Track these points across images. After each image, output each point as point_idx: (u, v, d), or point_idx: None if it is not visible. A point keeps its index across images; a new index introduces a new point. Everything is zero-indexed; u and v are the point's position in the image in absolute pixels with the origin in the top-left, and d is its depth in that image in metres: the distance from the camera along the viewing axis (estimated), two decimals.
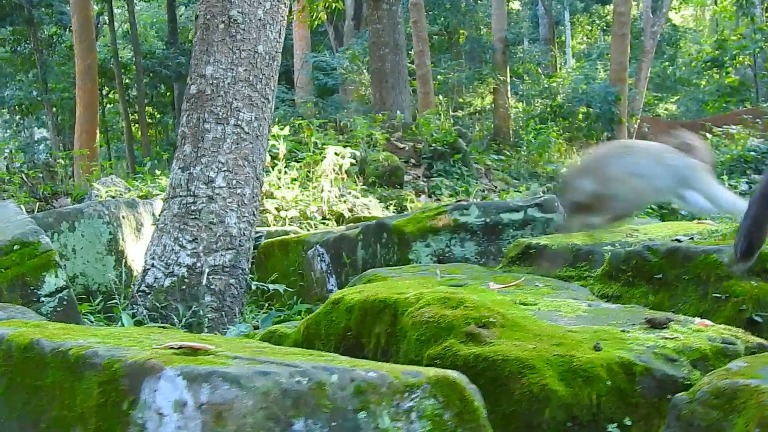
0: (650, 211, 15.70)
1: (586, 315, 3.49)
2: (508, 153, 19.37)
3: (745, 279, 4.38)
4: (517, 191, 14.08)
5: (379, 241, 6.85)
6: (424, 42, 28.27)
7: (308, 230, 10.02)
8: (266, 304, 7.58)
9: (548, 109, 30.44)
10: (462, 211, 6.67)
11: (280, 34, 7.08)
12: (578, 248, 5.63)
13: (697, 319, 3.44)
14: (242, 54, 6.80)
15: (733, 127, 19.92)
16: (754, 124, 20.66)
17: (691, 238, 5.07)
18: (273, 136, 12.18)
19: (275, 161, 11.83)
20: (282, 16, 7.12)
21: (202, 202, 6.51)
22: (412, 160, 15.85)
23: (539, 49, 37.46)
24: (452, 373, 2.54)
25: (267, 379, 2.19)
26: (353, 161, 12.40)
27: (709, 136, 20.07)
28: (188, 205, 6.51)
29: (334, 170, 12.01)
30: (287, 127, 12.60)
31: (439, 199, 13.77)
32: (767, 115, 22.78)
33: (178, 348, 2.46)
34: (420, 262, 6.57)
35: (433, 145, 15.87)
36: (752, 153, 17.75)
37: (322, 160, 11.95)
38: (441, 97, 33.39)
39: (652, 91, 40.76)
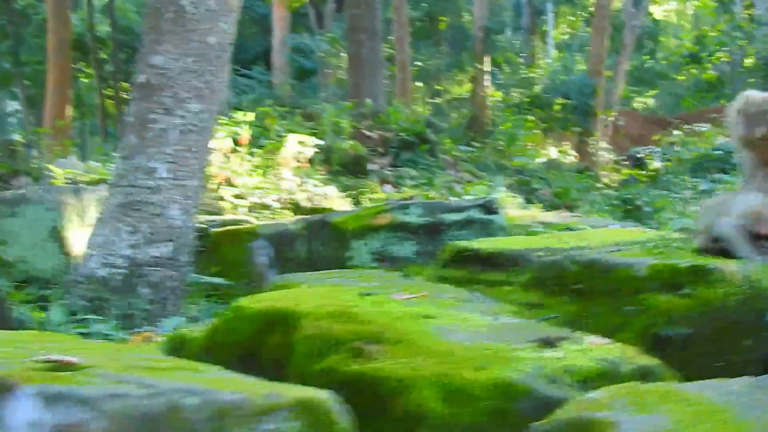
0: (614, 208, 15.79)
1: (486, 330, 3.52)
2: (478, 144, 19.40)
3: (656, 294, 4.45)
4: (482, 184, 14.12)
5: (319, 238, 6.90)
6: (405, 28, 28.30)
7: (264, 220, 10.03)
8: (212, 296, 7.59)
9: (526, 99, 30.51)
10: (403, 210, 6.71)
11: (232, 25, 7.06)
12: (509, 252, 5.68)
13: (591, 337, 3.49)
14: (192, 44, 6.78)
15: (703, 124, 20.03)
16: (723, 122, 20.73)
17: (618, 249, 5.11)
18: (236, 122, 12.20)
19: (238, 148, 11.83)
20: (235, 6, 7.10)
21: (145, 193, 6.51)
22: (380, 149, 15.86)
23: (520, 39, 37.56)
24: (318, 394, 2.57)
25: (120, 401, 2.22)
26: (316, 150, 12.40)
27: (677, 133, 20.22)
28: (130, 196, 6.52)
29: (296, 159, 12.02)
30: (252, 113, 12.57)
31: (403, 190, 13.79)
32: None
33: (48, 361, 2.49)
34: (359, 261, 6.62)
35: (401, 134, 15.89)
36: (718, 152, 17.86)
37: (283, 148, 11.95)
38: (419, 83, 33.45)
39: (631, 84, 40.86)
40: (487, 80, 32.11)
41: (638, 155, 21.80)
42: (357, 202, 12.44)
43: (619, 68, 31.36)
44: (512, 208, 11.06)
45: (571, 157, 28.24)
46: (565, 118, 29.43)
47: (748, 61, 43.51)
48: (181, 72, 6.72)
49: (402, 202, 6.95)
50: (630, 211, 15.48)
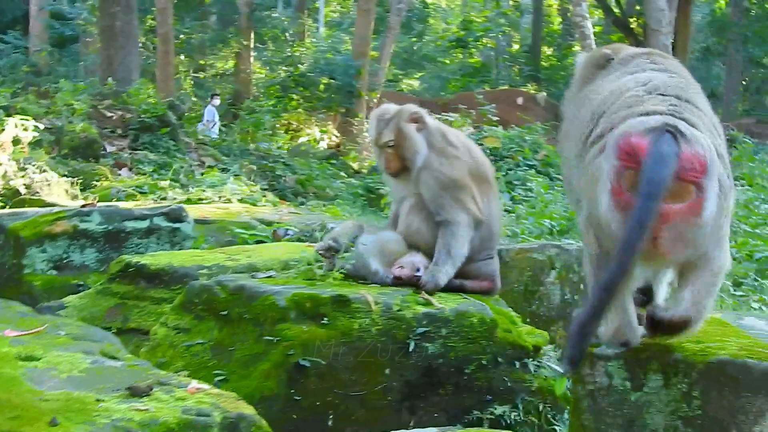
0: (356, 196, 15.99)
1: (82, 375, 3.43)
2: (224, 128, 19.23)
3: (297, 323, 4.49)
4: (213, 171, 13.97)
5: None
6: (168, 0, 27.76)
7: None
8: None
9: (291, 78, 30.51)
10: (83, 218, 6.56)
11: None
12: (174, 270, 5.63)
13: (192, 383, 3.46)
14: None
15: (451, 114, 20.51)
16: (468, 113, 21.35)
17: (270, 276, 5.12)
18: None
19: None
20: None
21: None
22: (119, 131, 15.49)
23: (289, 16, 37.47)
24: None
25: None
26: (41, 132, 11.96)
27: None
28: None
29: (16, 141, 11.57)
30: None
31: (140, 173, 13.50)
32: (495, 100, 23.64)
33: None
34: (36, 269, 6.43)
35: (142, 116, 15.56)
36: None
37: (1, 130, 11.47)
38: (183, 57, 32.90)
39: (399, 66, 41.55)
40: (252, 57, 31.97)
41: None
42: (85, 188, 12.12)
43: (384, 50, 31.77)
44: (237, 198, 11.02)
45: (334, 138, 28.51)
46: (330, 98, 29.61)
47: (513, 48, 45.14)
48: None
49: (82, 208, 6.77)
50: (372, 201, 15.70)
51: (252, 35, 32.26)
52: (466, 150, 5.40)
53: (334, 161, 20.50)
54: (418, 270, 4.98)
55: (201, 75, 33.69)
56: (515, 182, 17.33)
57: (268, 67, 33.17)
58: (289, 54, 32.09)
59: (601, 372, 3.80)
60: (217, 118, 24.77)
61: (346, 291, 4.64)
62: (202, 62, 33.78)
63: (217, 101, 25.78)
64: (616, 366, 3.78)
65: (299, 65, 30.91)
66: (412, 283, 4.94)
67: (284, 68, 31.44)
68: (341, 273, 4.97)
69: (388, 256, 5.07)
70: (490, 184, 5.42)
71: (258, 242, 7.99)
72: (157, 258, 5.83)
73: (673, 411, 3.67)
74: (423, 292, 4.86)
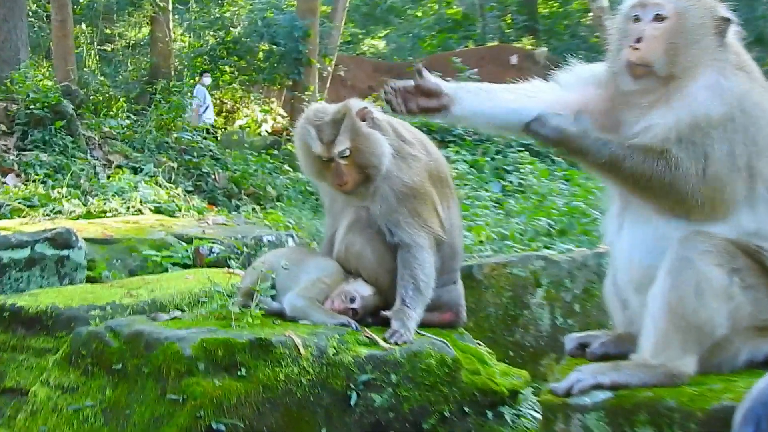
0: (306, 195, 15.97)
1: None
2: (134, 116, 19.15)
3: (208, 377, 4.51)
4: (118, 174, 13.91)
5: None
6: None
7: None
8: None
9: (221, 45, 30.38)
10: None
11: None
12: (59, 312, 5.65)
13: None
14: None
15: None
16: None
17: (174, 317, 5.13)
18: None
19: None
20: None
21: None
22: (4, 127, 15.44)
23: None
24: None
25: None
26: None
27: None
28: None
29: None
30: None
31: (31, 180, 13.47)
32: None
33: None
34: None
35: (31, 107, 15.48)
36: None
37: None
38: (84, 26, 32.76)
39: (358, 23, 41.51)
40: (171, 21, 31.88)
41: None
42: None
43: (338, 4, 31.63)
44: (151, 208, 11.01)
45: (279, 119, 28.43)
46: (272, 68, 29.43)
47: None
48: None
49: None
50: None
51: None
52: (422, 146, 5.35)
53: (275, 152, 20.43)
54: (352, 300, 4.99)
55: (108, 47, 33.57)
56: (507, 168, 17.36)
57: (191, 34, 33.09)
58: (218, 16, 32.06)
59: (578, 426, 3.86)
60: (209, 100, 24.96)
61: (268, 333, 4.67)
62: (108, 31, 33.63)
63: (207, 80, 25.74)
64: (596, 418, 3.83)
65: (231, 29, 30.86)
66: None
67: (213, 34, 31.37)
68: (262, 310, 4.98)
69: (322, 291, 5.08)
70: (450, 187, 5.39)
71: (178, 266, 7.99)
72: (37, 297, 5.86)
73: None
74: (367, 329, 4.89)
